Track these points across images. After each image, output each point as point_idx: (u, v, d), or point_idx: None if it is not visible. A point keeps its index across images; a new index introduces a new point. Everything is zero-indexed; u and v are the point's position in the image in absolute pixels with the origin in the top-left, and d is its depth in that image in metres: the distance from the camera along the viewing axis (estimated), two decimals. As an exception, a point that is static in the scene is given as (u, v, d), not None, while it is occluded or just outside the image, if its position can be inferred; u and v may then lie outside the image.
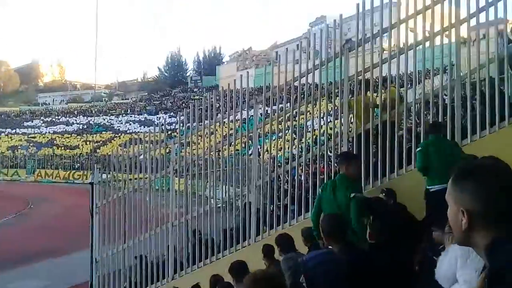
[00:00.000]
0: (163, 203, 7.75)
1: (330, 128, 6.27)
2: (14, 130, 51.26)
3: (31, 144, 46.31)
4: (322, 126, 6.27)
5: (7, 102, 71.96)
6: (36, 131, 50.43)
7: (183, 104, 45.03)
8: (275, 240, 4.63)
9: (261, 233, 6.18)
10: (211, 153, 7.32)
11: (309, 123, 6.85)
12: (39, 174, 39.79)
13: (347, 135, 5.82)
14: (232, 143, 7.25)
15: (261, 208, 6.30)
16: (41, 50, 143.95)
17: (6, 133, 50.82)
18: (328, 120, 6.28)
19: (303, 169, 6.16)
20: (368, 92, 5.84)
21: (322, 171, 6.02)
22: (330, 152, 6.26)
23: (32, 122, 53.50)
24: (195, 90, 59.84)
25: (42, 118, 54.52)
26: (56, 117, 54.32)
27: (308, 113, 6.47)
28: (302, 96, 6.37)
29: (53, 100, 71.08)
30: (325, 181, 5.18)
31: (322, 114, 6.31)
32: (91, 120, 51.24)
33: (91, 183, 9.58)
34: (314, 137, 6.58)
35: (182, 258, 7.13)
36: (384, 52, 6.19)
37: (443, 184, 4.18)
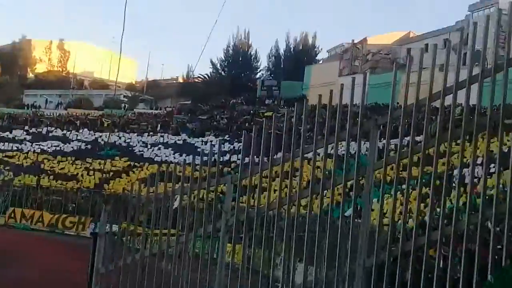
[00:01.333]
0: (204, 278, 7.72)
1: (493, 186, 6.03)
2: (-16, 144, 53.74)
3: (6, 168, 47.74)
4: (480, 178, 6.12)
5: (-23, 98, 76.32)
6: (16, 147, 52.68)
7: (247, 124, 45.39)
8: None
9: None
10: (284, 207, 7.23)
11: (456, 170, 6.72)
12: (12, 215, 39.79)
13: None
14: (325, 193, 7.13)
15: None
16: (35, 23, 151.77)
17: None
18: (492, 170, 6.08)
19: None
20: None
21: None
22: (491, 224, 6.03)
23: (11, 133, 56.08)
24: (267, 102, 60.26)
25: (27, 128, 57.13)
26: (48, 128, 56.67)
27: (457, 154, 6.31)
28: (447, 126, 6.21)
29: (47, 101, 74.28)
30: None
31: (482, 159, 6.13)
32: (100, 137, 52.87)
33: (94, 234, 9.84)
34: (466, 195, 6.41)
35: None
36: None
37: None
